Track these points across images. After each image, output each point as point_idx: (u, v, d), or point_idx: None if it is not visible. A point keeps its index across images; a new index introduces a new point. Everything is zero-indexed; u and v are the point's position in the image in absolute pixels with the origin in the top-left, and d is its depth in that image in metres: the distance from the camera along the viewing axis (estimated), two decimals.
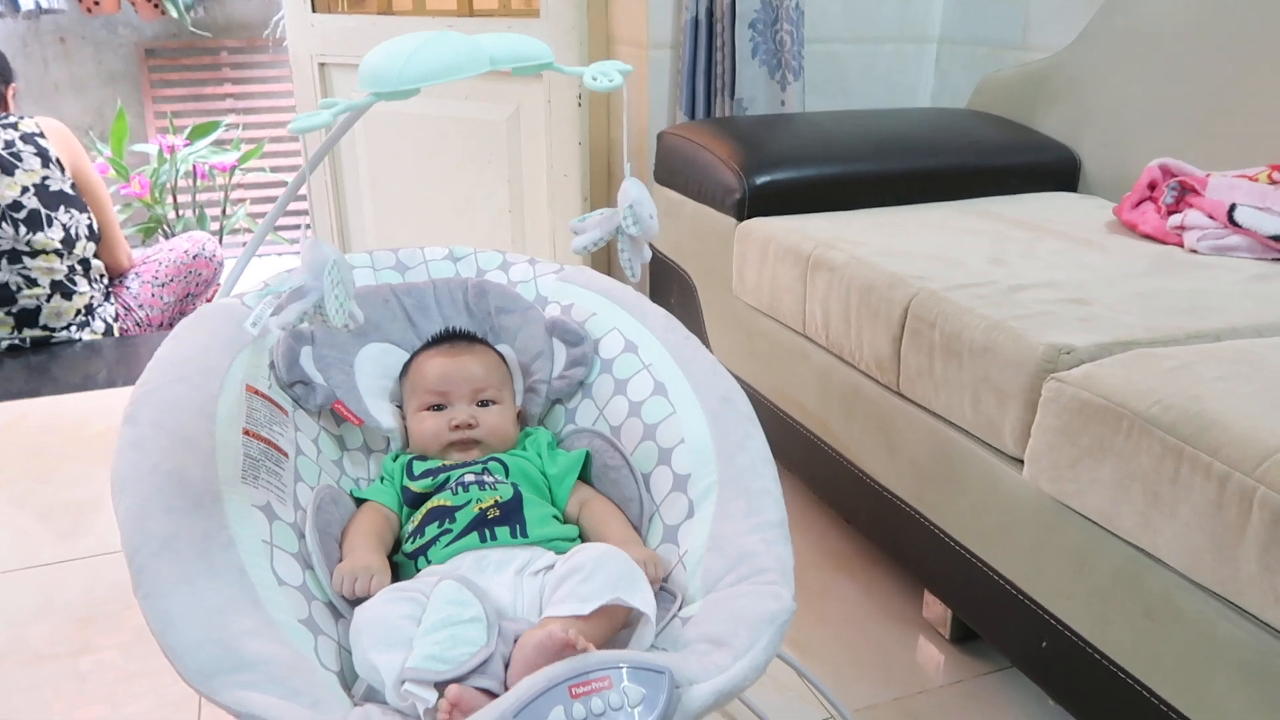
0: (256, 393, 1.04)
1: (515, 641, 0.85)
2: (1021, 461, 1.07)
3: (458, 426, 1.10)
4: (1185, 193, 1.48)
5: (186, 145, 3.60)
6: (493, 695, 0.81)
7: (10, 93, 2.40)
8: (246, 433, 0.97)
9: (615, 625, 0.87)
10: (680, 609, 0.95)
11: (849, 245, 1.40)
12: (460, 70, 0.79)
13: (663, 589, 0.98)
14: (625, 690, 0.77)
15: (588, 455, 1.11)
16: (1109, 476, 0.94)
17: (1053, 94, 1.97)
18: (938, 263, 1.32)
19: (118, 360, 2.35)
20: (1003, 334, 1.09)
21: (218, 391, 0.99)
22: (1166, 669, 0.92)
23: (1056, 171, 1.85)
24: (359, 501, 1.06)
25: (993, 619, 1.15)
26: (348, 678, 0.87)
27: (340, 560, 0.96)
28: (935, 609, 1.32)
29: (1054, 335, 1.05)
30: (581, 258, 2.31)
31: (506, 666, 0.83)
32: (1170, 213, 1.47)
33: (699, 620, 0.91)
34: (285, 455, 1.01)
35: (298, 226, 4.08)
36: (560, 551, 1.00)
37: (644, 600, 0.86)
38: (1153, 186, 1.54)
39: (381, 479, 1.10)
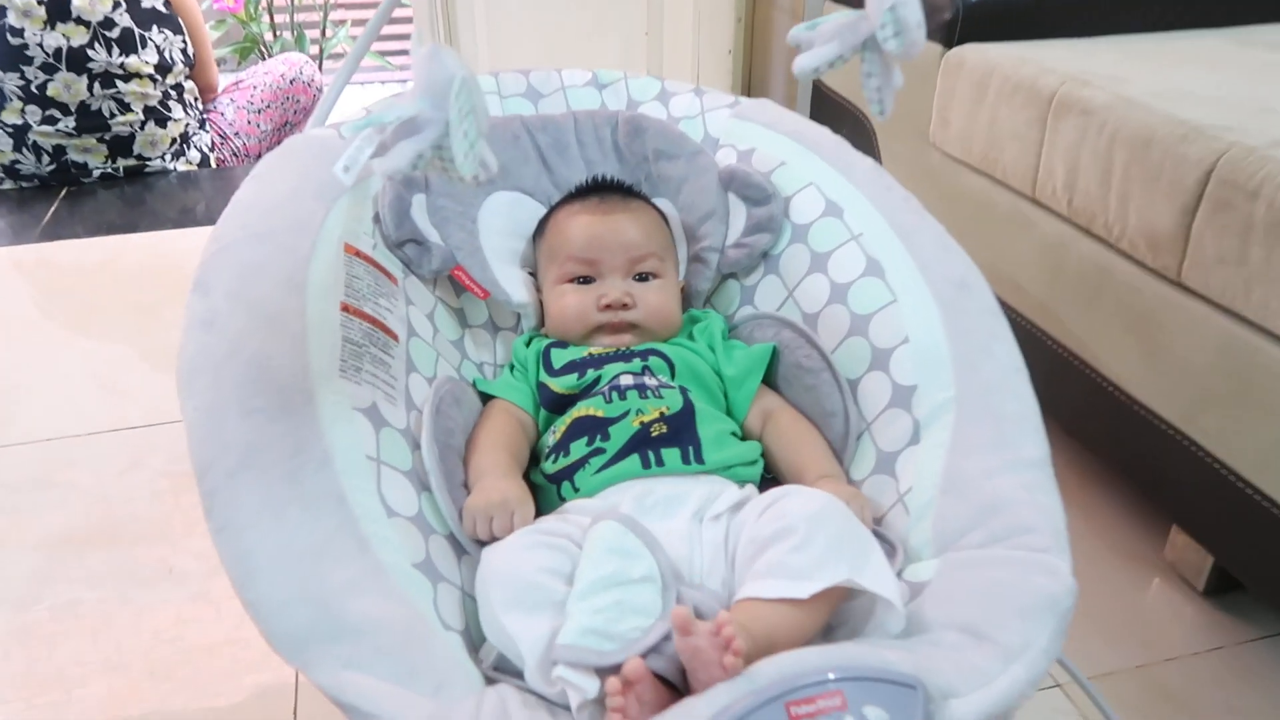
0: (358, 254, 0.81)
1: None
2: None
3: (609, 306, 0.86)
4: None
5: None
6: (668, 684, 0.59)
7: None
8: (346, 308, 0.75)
9: (834, 605, 0.64)
10: (902, 568, 0.72)
11: (1108, 82, 1.07)
12: None
13: (875, 534, 0.74)
14: (864, 714, 0.55)
15: (774, 351, 0.86)
16: None
17: None
18: (1243, 109, 0.98)
19: (215, 193, 2.18)
20: None
21: (309, 253, 0.76)
22: None
23: None
24: (485, 397, 0.84)
25: None
26: (474, 635, 0.68)
27: (465, 481, 0.74)
28: (1185, 553, 1.06)
29: None
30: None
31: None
32: None
33: (938, 594, 0.68)
34: (395, 338, 0.79)
35: (407, 50, 3.78)
36: (741, 480, 0.76)
37: (882, 579, 0.62)
38: None
39: (512, 368, 0.88)
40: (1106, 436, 1.10)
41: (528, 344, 0.88)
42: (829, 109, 1.62)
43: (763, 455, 0.81)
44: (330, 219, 0.80)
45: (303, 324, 0.71)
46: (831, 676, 0.56)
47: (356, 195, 0.85)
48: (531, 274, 0.95)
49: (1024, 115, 1.14)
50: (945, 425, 0.76)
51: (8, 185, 2.16)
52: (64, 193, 2.15)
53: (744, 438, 0.82)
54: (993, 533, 0.69)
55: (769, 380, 0.86)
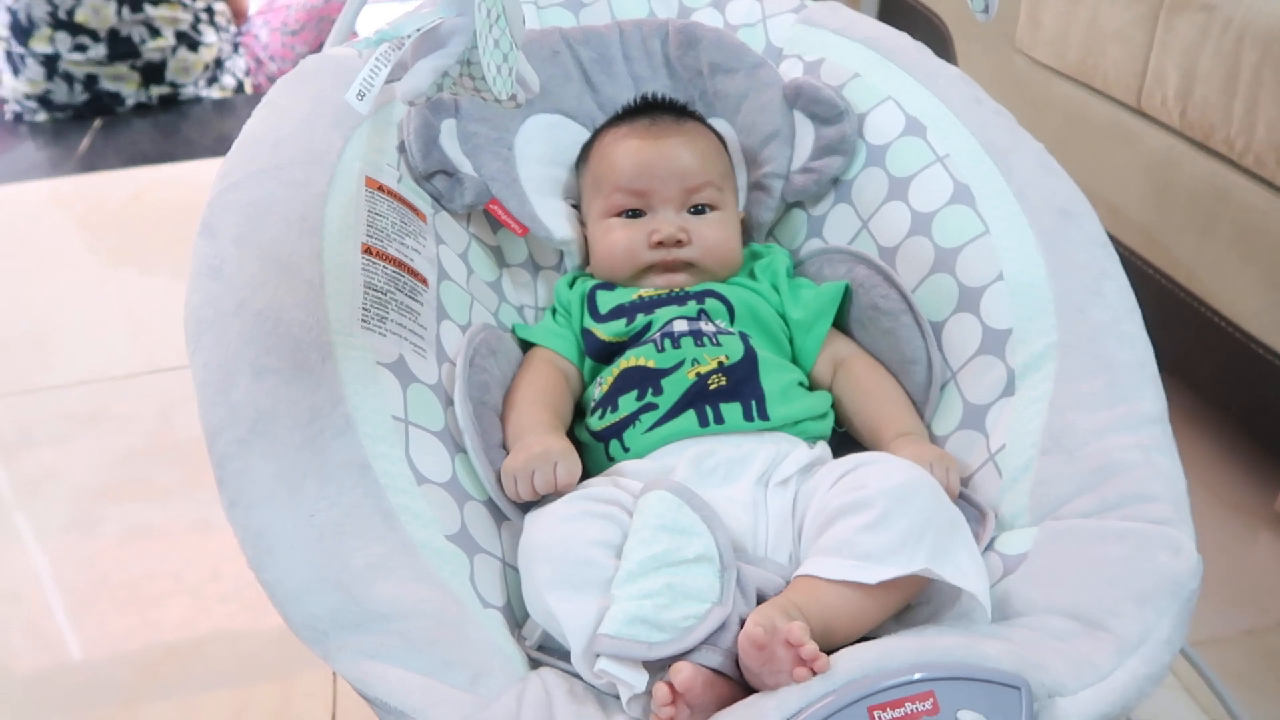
0: (381, 189, 0.73)
1: (758, 601, 0.56)
2: None
3: (661, 243, 0.77)
4: None
5: None
6: (727, 679, 0.53)
7: None
8: (368, 250, 0.68)
9: (910, 595, 0.57)
10: (994, 538, 0.64)
11: None
12: None
13: (961, 497, 0.66)
14: (958, 718, 0.48)
15: (847, 290, 0.76)
16: None
17: None
18: None
19: None
20: None
21: (325, 189, 0.69)
22: None
23: None
24: (524, 345, 0.76)
25: None
26: (516, 610, 0.62)
27: (503, 440, 0.67)
28: None
29: None
30: None
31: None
32: None
33: (1038, 570, 0.61)
34: (424, 282, 0.71)
35: None
36: (811, 437, 0.68)
37: (967, 571, 0.55)
38: None
39: (554, 312, 0.80)
40: (1216, 377, 0.99)
41: (571, 285, 0.80)
42: (898, 11, 1.48)
43: (833, 407, 0.73)
44: (349, 150, 0.72)
45: (319, 270, 0.64)
46: (919, 676, 0.49)
47: (378, 122, 0.76)
48: (575, 206, 0.86)
49: (1130, 12, 1.00)
50: (1046, 375, 0.67)
51: (41, 116, 2.12)
52: (98, 123, 2.10)
53: (812, 388, 0.74)
54: (1104, 500, 0.61)
55: (840, 323, 0.77)
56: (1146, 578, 0.56)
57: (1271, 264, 0.89)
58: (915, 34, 1.24)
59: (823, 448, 0.67)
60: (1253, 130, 0.88)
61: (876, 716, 0.48)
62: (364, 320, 0.64)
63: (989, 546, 0.63)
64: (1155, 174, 1.02)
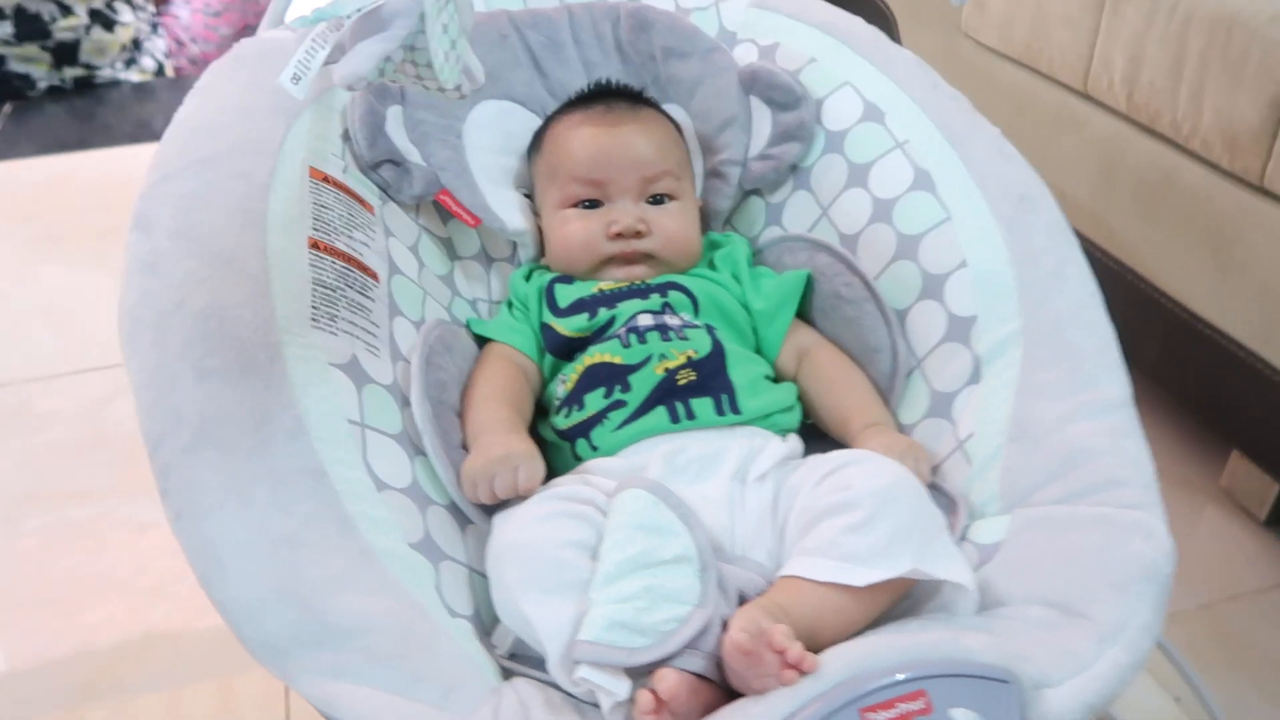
0: (326, 180, 0.69)
1: (739, 601, 0.55)
2: None
3: (620, 234, 0.74)
4: None
5: None
6: (711, 683, 0.51)
7: None
8: (315, 245, 0.64)
9: (895, 597, 0.56)
10: (966, 527, 0.63)
11: None
12: None
13: (931, 486, 0.65)
14: (951, 718, 0.47)
15: (809, 279, 0.75)
16: None
17: None
18: None
19: (174, 105, 1.99)
20: None
21: (267, 180, 0.65)
22: None
23: None
24: (479, 340, 0.74)
25: None
26: (484, 618, 0.59)
27: (463, 440, 0.65)
28: (1245, 481, 0.99)
29: None
30: None
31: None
32: None
33: (1013, 560, 0.61)
34: (374, 277, 0.68)
35: None
36: (781, 430, 0.67)
37: (951, 566, 0.54)
38: None
39: (510, 306, 0.77)
40: (1162, 356, 1.01)
41: (527, 278, 0.77)
42: None
43: (799, 398, 0.72)
44: (291, 138, 0.68)
45: (264, 265, 0.61)
46: (910, 675, 0.48)
47: (321, 110, 0.73)
48: (528, 195, 0.83)
49: None
50: (1011, 362, 0.67)
51: None
52: (7, 108, 1.99)
53: (776, 379, 0.73)
54: (1071, 487, 0.61)
55: (803, 313, 0.76)
56: (1122, 564, 0.56)
57: (1216, 245, 0.91)
58: (859, 15, 1.23)
59: (795, 440, 0.66)
60: (1199, 114, 0.89)
61: (869, 719, 0.47)
62: (313, 318, 0.61)
63: (962, 536, 0.63)
64: (1101, 157, 1.03)
